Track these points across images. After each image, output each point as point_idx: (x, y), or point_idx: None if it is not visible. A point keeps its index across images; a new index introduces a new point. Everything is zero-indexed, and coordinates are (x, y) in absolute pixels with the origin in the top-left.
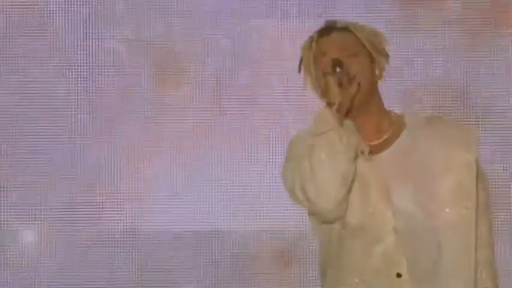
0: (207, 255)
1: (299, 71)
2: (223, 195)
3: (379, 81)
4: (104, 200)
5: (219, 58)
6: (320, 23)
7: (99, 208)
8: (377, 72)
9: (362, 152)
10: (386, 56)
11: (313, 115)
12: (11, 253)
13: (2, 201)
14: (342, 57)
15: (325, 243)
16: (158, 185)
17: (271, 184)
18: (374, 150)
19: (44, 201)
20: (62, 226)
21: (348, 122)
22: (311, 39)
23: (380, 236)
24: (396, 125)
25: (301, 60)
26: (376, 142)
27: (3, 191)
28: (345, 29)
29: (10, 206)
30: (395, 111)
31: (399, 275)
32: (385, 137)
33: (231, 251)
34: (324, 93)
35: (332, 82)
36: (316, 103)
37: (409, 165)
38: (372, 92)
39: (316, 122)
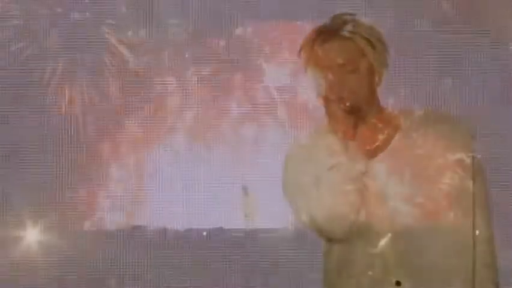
0: (207, 255)
1: (299, 56)
2: (223, 195)
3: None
4: (104, 200)
5: (218, 58)
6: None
7: (99, 208)
8: (376, 79)
9: (365, 172)
10: (387, 65)
11: (312, 115)
12: (13, 252)
13: (3, 201)
14: (342, 73)
15: (327, 247)
16: (158, 184)
17: (268, 184)
18: (370, 154)
19: (44, 201)
20: (63, 225)
21: (351, 145)
22: (313, 40)
23: (378, 238)
24: (392, 126)
25: (301, 48)
26: (372, 146)
27: (5, 190)
28: (350, 38)
29: (11, 205)
30: (390, 110)
31: (398, 283)
32: (380, 139)
33: (230, 250)
34: (329, 119)
35: (337, 112)
36: (314, 104)
37: (405, 166)
38: (371, 99)
39: (324, 152)
